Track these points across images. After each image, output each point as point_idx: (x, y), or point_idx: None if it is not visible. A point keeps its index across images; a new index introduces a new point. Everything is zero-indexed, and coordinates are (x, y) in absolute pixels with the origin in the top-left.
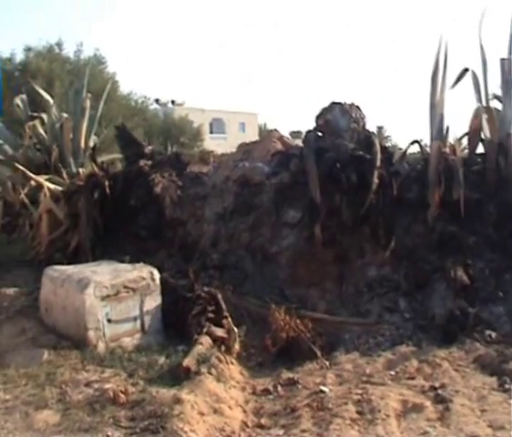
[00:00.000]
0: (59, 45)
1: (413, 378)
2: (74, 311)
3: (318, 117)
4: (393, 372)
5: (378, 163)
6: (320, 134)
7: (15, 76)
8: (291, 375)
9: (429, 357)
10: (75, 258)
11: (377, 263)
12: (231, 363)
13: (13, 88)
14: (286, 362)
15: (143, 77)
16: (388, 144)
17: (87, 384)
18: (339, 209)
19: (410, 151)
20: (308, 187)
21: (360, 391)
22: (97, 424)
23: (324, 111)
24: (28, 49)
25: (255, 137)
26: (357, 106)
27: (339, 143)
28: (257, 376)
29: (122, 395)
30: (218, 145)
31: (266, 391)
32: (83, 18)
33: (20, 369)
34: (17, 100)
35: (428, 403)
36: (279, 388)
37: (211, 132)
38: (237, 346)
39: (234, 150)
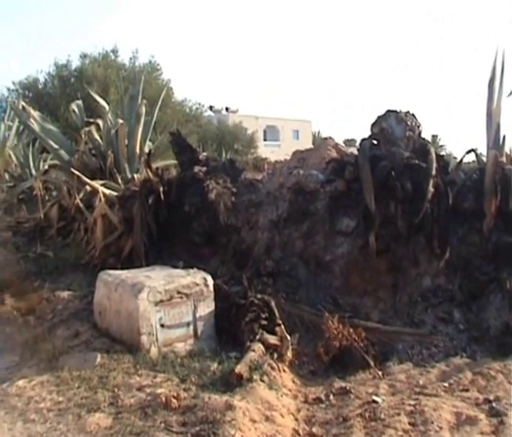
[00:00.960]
0: (114, 51)
1: (467, 390)
2: (127, 316)
3: (373, 125)
4: (446, 384)
5: (434, 172)
6: (375, 142)
7: (70, 82)
8: (343, 384)
9: (483, 369)
10: (128, 262)
11: (432, 273)
12: (284, 371)
13: (69, 94)
14: (338, 371)
15: (197, 84)
16: (443, 153)
17: (140, 388)
18: (394, 218)
19: (466, 160)
20: (363, 195)
21: (413, 402)
22: (149, 429)
23: (380, 119)
24: (84, 56)
25: (309, 145)
26: (413, 115)
27: (394, 151)
28: (309, 384)
29: (174, 400)
30: (271, 152)
31: (318, 400)
32: (138, 26)
33: (73, 371)
34: (73, 106)
35: (482, 416)
36: (331, 397)
37: (265, 139)
38: (289, 354)
39: (288, 157)
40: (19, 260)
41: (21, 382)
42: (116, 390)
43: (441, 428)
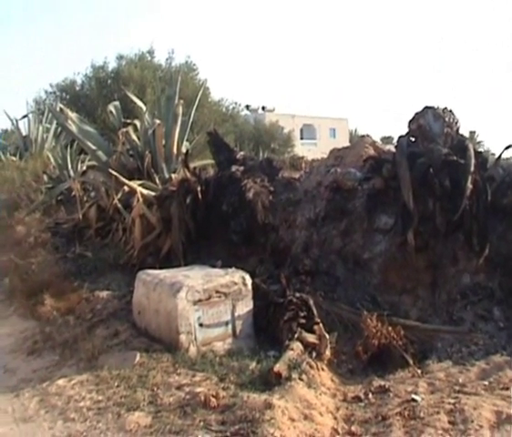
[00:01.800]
0: (151, 52)
1: (507, 388)
2: (166, 315)
3: (411, 122)
4: (486, 382)
5: (472, 168)
6: (413, 139)
7: (107, 83)
8: (382, 383)
9: None
10: (167, 262)
11: (471, 270)
12: (322, 369)
13: (106, 96)
14: (377, 370)
15: (234, 84)
16: (481, 149)
17: (179, 387)
18: (432, 215)
19: (504, 156)
20: (401, 192)
21: (452, 401)
22: (188, 427)
23: (417, 116)
24: (120, 57)
25: (345, 143)
26: (450, 111)
27: (432, 148)
28: (348, 383)
29: (213, 399)
30: (308, 150)
31: (357, 399)
32: (174, 27)
33: (113, 370)
34: (110, 107)
35: None
36: (370, 395)
37: (302, 138)
38: (328, 352)
39: (325, 156)
40: (58, 261)
41: (61, 381)
42: (155, 388)
43: (481, 427)
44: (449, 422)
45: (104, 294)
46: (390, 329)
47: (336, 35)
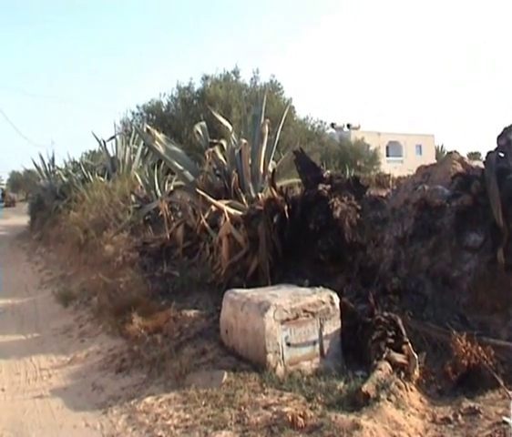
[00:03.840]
0: (235, 72)
1: None
2: (253, 334)
3: (499, 137)
4: None
5: None
6: (501, 154)
7: (193, 104)
8: (472, 404)
9: None
10: (254, 281)
11: None
12: (411, 390)
13: (191, 116)
14: (467, 391)
15: (319, 102)
16: None
17: (266, 407)
18: None
19: None
20: (490, 209)
21: None
22: None
23: (506, 131)
24: (206, 78)
25: (432, 160)
26: None
27: None
28: (437, 404)
29: (300, 419)
30: (394, 168)
31: (446, 420)
32: (258, 46)
33: (200, 389)
34: (197, 127)
35: None
36: (459, 417)
37: (388, 155)
38: (417, 372)
39: (411, 173)
40: (146, 280)
41: (149, 399)
42: (242, 408)
43: None
44: None
45: (191, 313)
46: (480, 349)
47: (422, 53)
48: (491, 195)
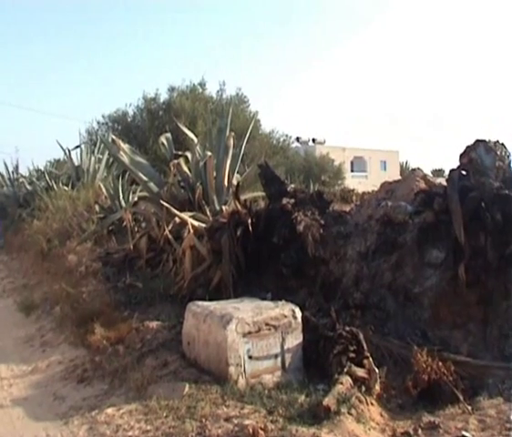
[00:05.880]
0: (202, 84)
1: None
2: (216, 347)
3: (462, 156)
4: None
5: None
6: (464, 172)
7: (159, 115)
8: (432, 418)
9: None
10: (217, 294)
11: None
12: (372, 404)
13: (157, 127)
14: (427, 405)
15: (284, 116)
16: None
17: (227, 419)
18: (484, 250)
19: None
20: (452, 226)
21: None
22: None
23: (468, 149)
24: (172, 89)
25: (396, 176)
26: (502, 144)
27: (484, 181)
28: (397, 418)
29: (261, 432)
30: (359, 183)
31: (406, 434)
32: (224, 59)
33: (161, 401)
34: (162, 139)
35: None
36: (419, 431)
37: (352, 170)
38: (377, 387)
39: (375, 188)
40: (109, 291)
41: (110, 410)
42: (203, 420)
43: None
44: None
45: (154, 324)
46: (440, 364)
47: (385, 67)
48: (453, 212)
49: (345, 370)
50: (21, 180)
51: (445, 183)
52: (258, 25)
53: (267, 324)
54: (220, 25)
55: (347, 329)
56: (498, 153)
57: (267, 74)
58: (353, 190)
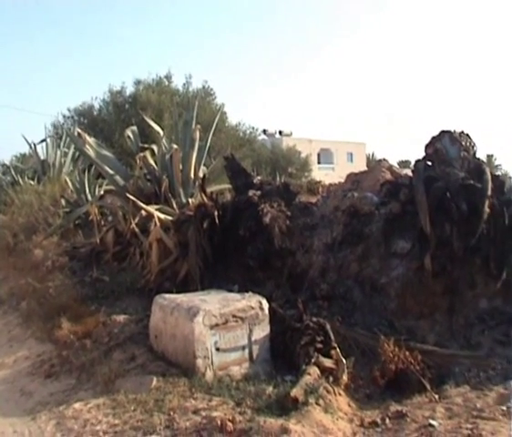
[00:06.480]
0: (168, 77)
1: None
2: (183, 339)
3: (427, 146)
4: (504, 407)
5: (489, 192)
6: (429, 163)
7: (125, 108)
8: (399, 408)
9: None
10: (184, 286)
11: (488, 295)
12: (339, 394)
13: (123, 120)
14: (394, 395)
15: (251, 108)
16: (499, 172)
17: (195, 412)
18: (449, 240)
19: None
20: (417, 217)
21: (470, 426)
22: None
23: (434, 140)
24: (138, 82)
25: (363, 167)
26: (467, 135)
27: (449, 172)
28: (365, 408)
29: (229, 423)
30: (326, 175)
31: (374, 424)
32: (190, 52)
33: (129, 394)
34: (128, 132)
35: None
36: (387, 420)
37: (319, 162)
38: (345, 377)
39: (342, 180)
40: (75, 285)
41: (77, 405)
42: (171, 413)
43: None
44: None
45: (121, 318)
46: (407, 354)
47: (352, 58)
48: (419, 203)
49: (313, 360)
50: None
51: (410, 174)
52: (226, 17)
53: (234, 316)
54: (185, 16)
55: (314, 320)
56: (463, 143)
57: (234, 67)
58: (319, 182)
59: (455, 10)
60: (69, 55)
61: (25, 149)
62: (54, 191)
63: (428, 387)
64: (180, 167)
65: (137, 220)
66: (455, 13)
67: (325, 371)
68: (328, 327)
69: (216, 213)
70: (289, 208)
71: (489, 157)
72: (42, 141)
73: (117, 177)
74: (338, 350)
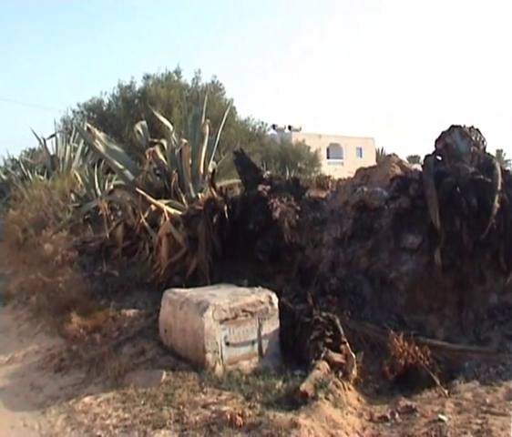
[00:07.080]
0: (177, 72)
1: None
2: (192, 334)
3: (437, 141)
4: None
5: (499, 187)
6: (439, 158)
7: (134, 103)
8: (408, 403)
9: None
10: (193, 281)
11: (498, 290)
12: (349, 389)
13: (133, 115)
14: (404, 390)
15: (260, 103)
16: (509, 167)
17: (205, 406)
18: (459, 235)
19: None
20: (427, 211)
21: (480, 421)
22: None
23: (444, 134)
24: (147, 77)
25: (372, 162)
26: (477, 129)
27: (459, 167)
28: (374, 403)
29: (239, 418)
30: (335, 170)
31: (383, 418)
32: (200, 47)
33: (139, 389)
34: (137, 127)
35: None
36: (396, 415)
37: (328, 157)
38: (354, 372)
39: (351, 175)
40: (85, 279)
41: (87, 399)
42: (181, 407)
43: None
44: None
45: (130, 312)
46: (417, 348)
47: (364, 54)
48: (428, 197)
49: (322, 355)
50: None
51: (420, 169)
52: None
53: (244, 310)
54: (195, 11)
55: (324, 314)
56: (473, 138)
57: (243, 61)
58: (329, 177)
59: (461, 5)
60: (79, 50)
61: (35, 144)
62: (63, 186)
63: (438, 382)
64: (190, 161)
65: (146, 215)
66: (461, 8)
67: (335, 366)
68: (337, 321)
69: (225, 208)
70: (298, 203)
71: (499, 152)
72: (52, 136)
73: (127, 172)
74: (347, 344)
